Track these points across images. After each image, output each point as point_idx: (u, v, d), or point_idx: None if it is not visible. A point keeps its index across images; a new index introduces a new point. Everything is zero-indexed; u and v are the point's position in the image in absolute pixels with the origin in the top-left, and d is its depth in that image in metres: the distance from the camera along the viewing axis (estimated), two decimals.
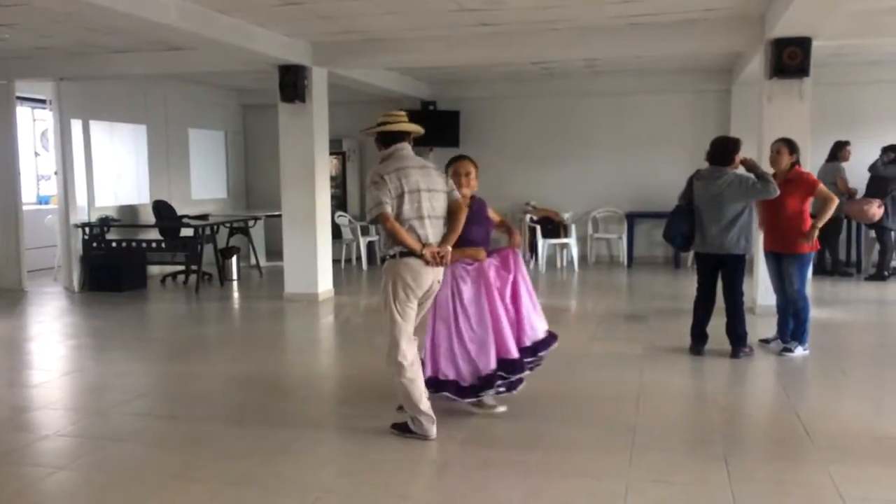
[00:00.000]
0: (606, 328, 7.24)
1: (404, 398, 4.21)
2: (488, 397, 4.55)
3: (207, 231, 9.84)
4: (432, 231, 4.16)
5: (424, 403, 4.20)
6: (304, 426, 4.54)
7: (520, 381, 4.51)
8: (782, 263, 5.98)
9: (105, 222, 9.95)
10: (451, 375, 4.43)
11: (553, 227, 11.13)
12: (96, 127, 10.31)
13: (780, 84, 7.15)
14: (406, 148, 4.28)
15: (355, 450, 4.18)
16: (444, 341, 4.44)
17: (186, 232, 9.90)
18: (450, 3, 6.63)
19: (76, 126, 9.85)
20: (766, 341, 6.28)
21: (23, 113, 10.80)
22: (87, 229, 9.75)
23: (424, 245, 4.10)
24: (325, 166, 9.06)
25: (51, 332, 7.60)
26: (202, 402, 5.01)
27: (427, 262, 4.11)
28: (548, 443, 4.18)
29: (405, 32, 7.87)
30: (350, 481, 3.78)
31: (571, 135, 11.83)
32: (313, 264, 8.71)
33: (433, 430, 4.22)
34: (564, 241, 11.13)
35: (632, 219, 11.42)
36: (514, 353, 4.45)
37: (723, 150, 5.80)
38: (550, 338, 4.72)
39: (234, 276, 10.41)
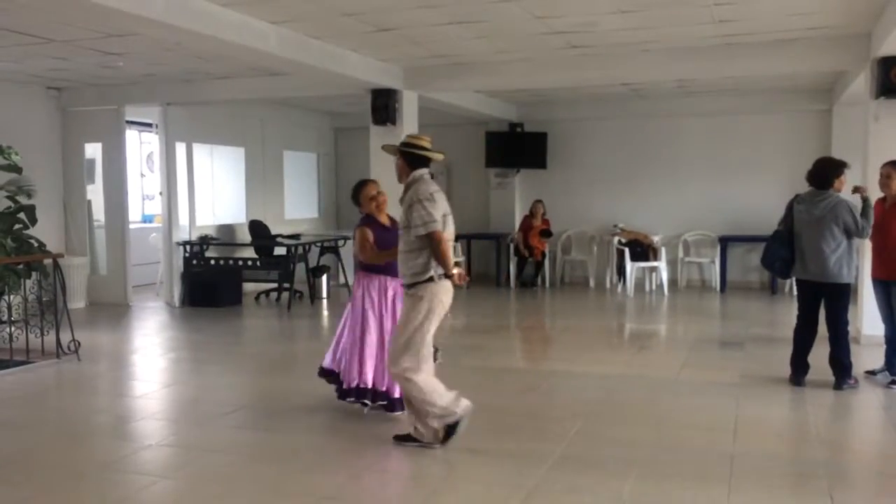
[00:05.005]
0: (699, 354, 7.02)
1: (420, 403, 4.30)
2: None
3: (299, 250, 10.12)
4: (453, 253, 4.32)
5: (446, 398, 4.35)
6: (395, 444, 4.57)
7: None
8: (891, 291, 5.69)
9: (205, 241, 10.38)
10: (371, 383, 4.87)
11: (642, 249, 10.92)
12: (198, 149, 10.81)
13: (887, 104, 6.87)
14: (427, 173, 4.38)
15: (444, 471, 4.20)
16: (370, 348, 4.85)
17: (280, 251, 10.22)
18: (540, 26, 6.66)
19: (180, 148, 10.34)
20: (872, 373, 5.96)
21: (130, 136, 11.41)
22: (188, 247, 10.19)
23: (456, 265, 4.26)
24: None
25: (153, 346, 7.96)
26: (295, 417, 5.13)
27: (455, 284, 4.25)
28: (640, 471, 4.08)
29: (494, 56, 7.94)
30: (438, 501, 3.80)
31: (661, 156, 11.61)
32: None
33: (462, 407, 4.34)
34: (654, 264, 10.90)
35: (725, 242, 11.08)
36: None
37: (821, 172, 5.58)
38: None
39: (325, 294, 10.65)
